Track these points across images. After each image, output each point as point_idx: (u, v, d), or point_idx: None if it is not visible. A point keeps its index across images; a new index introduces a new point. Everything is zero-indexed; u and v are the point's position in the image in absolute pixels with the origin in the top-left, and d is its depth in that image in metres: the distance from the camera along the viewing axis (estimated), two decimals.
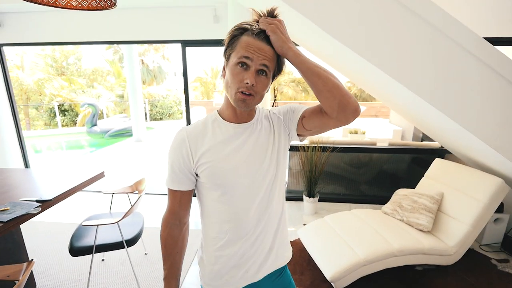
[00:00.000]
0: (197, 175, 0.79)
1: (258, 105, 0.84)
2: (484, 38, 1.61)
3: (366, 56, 1.65)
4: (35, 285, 1.92)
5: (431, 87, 1.66)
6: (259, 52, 0.68)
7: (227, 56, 0.73)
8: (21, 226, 1.73)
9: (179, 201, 0.82)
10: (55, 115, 10.79)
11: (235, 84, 0.70)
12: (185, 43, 3.08)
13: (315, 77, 0.69)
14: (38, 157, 7.02)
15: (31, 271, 1.92)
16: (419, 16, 1.57)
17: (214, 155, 0.76)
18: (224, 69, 0.76)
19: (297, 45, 2.79)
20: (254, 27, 0.70)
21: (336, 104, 0.68)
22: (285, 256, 0.92)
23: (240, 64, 0.69)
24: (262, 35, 0.69)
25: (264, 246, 0.84)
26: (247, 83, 0.68)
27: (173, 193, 0.81)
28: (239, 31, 0.70)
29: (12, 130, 3.60)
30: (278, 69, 0.75)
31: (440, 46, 1.61)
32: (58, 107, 10.93)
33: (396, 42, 1.64)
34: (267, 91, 0.75)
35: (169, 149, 0.80)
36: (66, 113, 11.64)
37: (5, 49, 3.45)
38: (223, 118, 0.80)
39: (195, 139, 0.77)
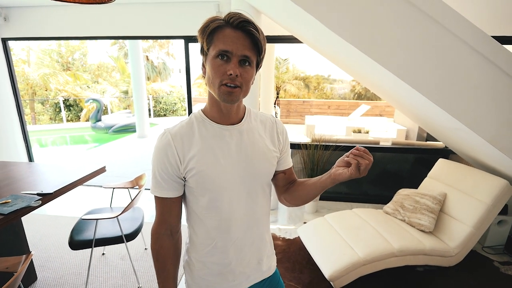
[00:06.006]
0: (185, 179, 0.74)
1: (248, 107, 0.82)
2: (492, 36, 1.58)
3: (370, 53, 1.62)
4: (36, 278, 1.94)
5: (436, 86, 1.63)
6: (238, 42, 0.65)
7: (205, 51, 0.69)
8: (23, 218, 1.75)
9: (169, 209, 0.76)
10: (60, 110, 10.88)
11: (218, 77, 0.66)
12: (188, 39, 3.07)
13: (318, 194, 0.80)
14: (44, 151, 7.10)
15: (32, 264, 1.94)
16: (424, 13, 1.54)
17: (202, 159, 0.71)
18: (203, 65, 0.72)
19: (300, 42, 2.77)
20: (232, 18, 0.65)
21: (296, 205, 0.88)
22: (272, 266, 0.90)
23: (220, 56, 0.65)
24: (241, 25, 0.65)
25: (252, 255, 0.81)
26: (231, 74, 0.64)
27: (161, 201, 0.75)
28: (216, 24, 0.66)
29: (17, 125, 3.64)
30: (260, 59, 0.71)
31: (445, 44, 1.57)
32: (63, 102, 11.02)
33: (401, 39, 1.60)
34: (252, 83, 0.71)
35: (153, 154, 0.74)
36: (71, 108, 11.74)
37: (11, 44, 3.48)
38: (208, 118, 0.75)
39: (181, 142, 0.71)
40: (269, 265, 0.88)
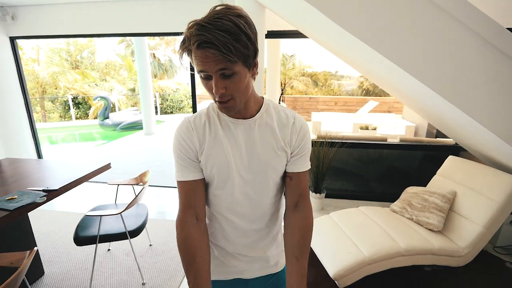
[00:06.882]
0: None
1: (267, 99, 0.80)
2: (508, 28, 1.50)
3: (380, 49, 1.57)
4: (43, 272, 1.98)
5: (447, 81, 1.57)
6: (208, 60, 0.60)
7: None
8: (30, 214, 1.77)
9: (194, 192, 0.75)
10: (69, 107, 11.07)
11: (210, 94, 0.67)
12: None
13: None
14: (54, 148, 7.23)
15: (39, 259, 1.98)
16: (435, 5, 1.48)
17: (212, 149, 0.74)
18: None
19: (305, 37, 2.72)
20: (192, 39, 0.59)
21: None
22: (280, 262, 0.90)
23: (203, 75, 0.65)
24: (202, 44, 0.59)
25: (256, 247, 0.83)
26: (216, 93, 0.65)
27: (185, 185, 0.74)
28: (184, 47, 0.63)
29: (26, 122, 3.70)
30: (251, 55, 0.64)
31: (457, 37, 1.51)
32: (72, 100, 11.20)
33: (411, 33, 1.55)
34: (254, 79, 0.71)
35: (173, 141, 0.76)
36: (80, 106, 11.93)
37: (22, 43, 3.53)
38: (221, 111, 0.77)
39: (196, 130, 0.75)
40: (276, 260, 0.88)
